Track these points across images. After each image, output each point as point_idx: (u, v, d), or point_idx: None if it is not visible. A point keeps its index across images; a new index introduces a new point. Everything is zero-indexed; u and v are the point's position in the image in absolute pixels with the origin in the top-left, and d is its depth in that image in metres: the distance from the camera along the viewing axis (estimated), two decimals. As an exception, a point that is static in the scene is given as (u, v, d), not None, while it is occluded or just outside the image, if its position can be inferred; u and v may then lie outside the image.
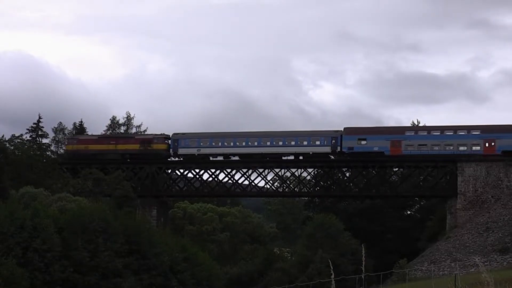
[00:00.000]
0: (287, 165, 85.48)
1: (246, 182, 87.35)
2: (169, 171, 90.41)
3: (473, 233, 72.72)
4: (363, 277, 20.57)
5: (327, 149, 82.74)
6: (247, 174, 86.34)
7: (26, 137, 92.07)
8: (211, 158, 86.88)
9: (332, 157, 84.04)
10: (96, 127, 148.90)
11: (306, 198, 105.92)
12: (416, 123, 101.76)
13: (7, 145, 76.74)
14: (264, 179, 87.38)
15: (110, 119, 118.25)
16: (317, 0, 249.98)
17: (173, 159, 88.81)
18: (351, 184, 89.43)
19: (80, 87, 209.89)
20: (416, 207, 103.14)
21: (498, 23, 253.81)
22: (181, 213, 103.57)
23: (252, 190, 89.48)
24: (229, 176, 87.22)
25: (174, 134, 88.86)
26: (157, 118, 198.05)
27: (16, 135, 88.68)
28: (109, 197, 74.17)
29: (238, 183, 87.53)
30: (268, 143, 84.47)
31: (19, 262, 47.06)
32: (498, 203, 76.23)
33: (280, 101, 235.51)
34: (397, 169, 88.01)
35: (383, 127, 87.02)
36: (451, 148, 79.42)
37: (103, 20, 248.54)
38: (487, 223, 73.35)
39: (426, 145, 79.93)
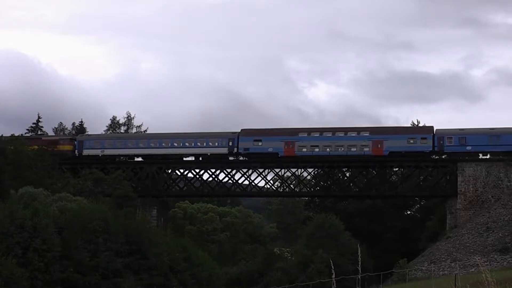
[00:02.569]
0: (287, 165, 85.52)
1: (246, 182, 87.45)
2: (169, 171, 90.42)
3: (473, 233, 72.70)
4: (359, 277, 20.57)
5: (224, 150, 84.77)
6: (247, 174, 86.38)
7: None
8: (117, 159, 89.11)
9: (231, 158, 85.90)
10: (96, 126, 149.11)
11: (306, 198, 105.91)
12: (416, 123, 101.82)
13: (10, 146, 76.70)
14: (264, 179, 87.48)
15: (110, 119, 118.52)
16: (309, 0, 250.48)
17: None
18: (351, 184, 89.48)
19: (74, 86, 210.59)
20: (416, 207, 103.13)
21: (488, 21, 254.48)
22: (181, 213, 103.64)
23: (252, 190, 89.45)
24: (229, 176, 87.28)
25: (79, 135, 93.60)
26: (152, 117, 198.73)
27: (12, 134, 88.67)
28: (109, 197, 74.11)
29: (238, 183, 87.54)
30: (169, 144, 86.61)
31: (19, 262, 47.02)
32: (498, 203, 76.22)
33: (276, 100, 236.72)
34: (397, 169, 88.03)
35: (278, 128, 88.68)
36: (342, 149, 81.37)
37: (97, 20, 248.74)
38: (487, 223, 73.34)
39: (318, 146, 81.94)
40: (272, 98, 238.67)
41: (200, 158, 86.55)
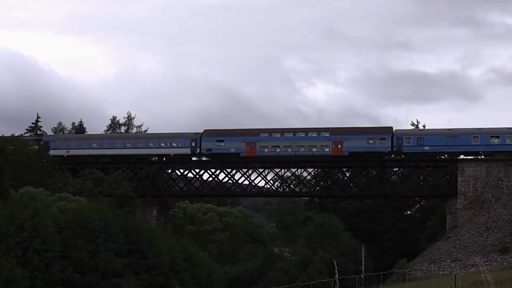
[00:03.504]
0: (287, 165, 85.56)
1: (246, 182, 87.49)
2: (169, 171, 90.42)
3: (473, 233, 72.69)
4: (362, 277, 20.59)
5: (187, 151, 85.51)
6: (247, 174, 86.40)
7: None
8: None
9: (194, 158, 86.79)
10: (95, 126, 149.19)
11: (306, 198, 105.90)
12: (416, 123, 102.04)
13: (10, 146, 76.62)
14: (264, 179, 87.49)
15: (110, 119, 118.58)
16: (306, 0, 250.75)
17: None
18: (351, 184, 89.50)
19: (71, 86, 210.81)
20: (416, 207, 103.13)
21: (485, 21, 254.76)
22: (181, 213, 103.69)
23: (252, 190, 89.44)
24: (229, 176, 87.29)
25: (45, 135, 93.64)
26: (151, 117, 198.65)
27: (9, 134, 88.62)
28: (109, 197, 74.09)
29: (238, 183, 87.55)
30: (133, 145, 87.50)
31: (19, 262, 47.00)
32: (498, 203, 76.21)
33: (274, 99, 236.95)
34: (397, 169, 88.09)
35: (240, 129, 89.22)
36: (303, 149, 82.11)
37: (95, 20, 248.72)
38: (487, 223, 73.33)
39: (279, 146, 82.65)
40: (271, 98, 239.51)
41: (164, 159, 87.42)
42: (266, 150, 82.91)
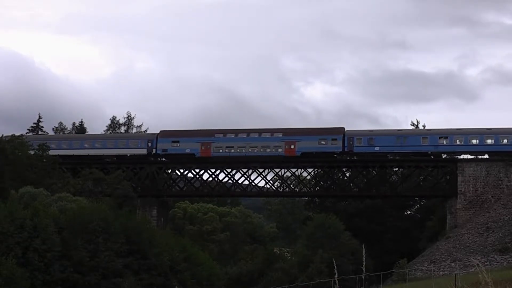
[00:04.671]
0: (287, 165, 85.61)
1: (246, 182, 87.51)
2: (169, 171, 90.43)
3: (473, 233, 72.69)
4: (363, 277, 20.61)
5: (143, 151, 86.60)
6: (247, 174, 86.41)
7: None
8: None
9: (152, 158, 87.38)
10: (93, 126, 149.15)
11: (306, 198, 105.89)
12: (416, 123, 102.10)
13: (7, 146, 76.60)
14: (264, 179, 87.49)
15: (110, 119, 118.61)
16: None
17: None
18: (351, 184, 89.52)
19: (69, 86, 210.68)
20: (416, 207, 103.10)
21: (480, 20, 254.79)
22: (181, 213, 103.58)
23: (252, 190, 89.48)
24: (229, 176, 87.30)
25: (3, 136, 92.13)
26: (149, 117, 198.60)
27: (6, 133, 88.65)
28: (109, 197, 74.10)
29: (238, 183, 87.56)
30: (91, 145, 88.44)
31: (19, 262, 47.05)
32: (498, 203, 76.22)
33: (272, 98, 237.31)
34: (397, 169, 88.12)
35: (195, 130, 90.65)
36: (256, 150, 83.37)
37: (92, 19, 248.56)
38: (487, 223, 73.32)
39: (233, 147, 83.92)
40: (268, 97, 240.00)
41: (115, 159, 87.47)
42: (220, 150, 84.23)
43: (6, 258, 45.39)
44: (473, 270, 57.83)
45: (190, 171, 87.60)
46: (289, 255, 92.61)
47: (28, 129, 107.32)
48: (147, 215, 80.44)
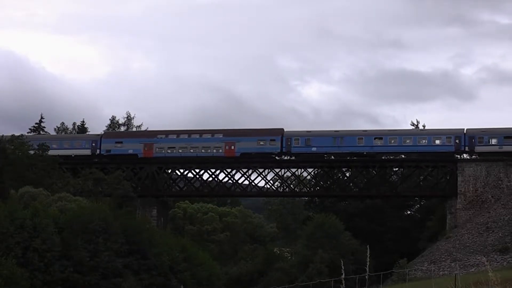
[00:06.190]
0: (287, 165, 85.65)
1: (246, 182, 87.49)
2: (169, 171, 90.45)
3: (473, 233, 72.67)
4: (366, 277, 20.59)
5: (88, 152, 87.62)
6: (247, 174, 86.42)
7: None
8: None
9: (96, 159, 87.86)
10: (92, 126, 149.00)
11: (306, 198, 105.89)
12: (416, 123, 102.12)
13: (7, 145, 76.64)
14: (264, 179, 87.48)
15: (110, 119, 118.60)
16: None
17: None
18: (351, 184, 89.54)
19: (66, 86, 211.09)
20: (416, 207, 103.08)
21: (475, 20, 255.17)
22: (181, 213, 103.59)
23: (252, 190, 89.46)
24: (229, 176, 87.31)
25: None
26: (147, 116, 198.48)
27: (13, 134, 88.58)
28: (109, 197, 74.09)
29: (238, 183, 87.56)
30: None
31: (19, 262, 47.04)
32: (498, 203, 76.20)
33: (269, 97, 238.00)
34: (397, 169, 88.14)
35: (138, 131, 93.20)
36: (197, 150, 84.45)
37: (88, 19, 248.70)
38: (487, 223, 73.30)
39: (174, 147, 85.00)
40: (265, 96, 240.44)
41: (66, 159, 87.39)
42: (162, 151, 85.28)
43: (6, 258, 45.35)
44: (473, 270, 57.93)
45: (190, 171, 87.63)
46: (289, 255, 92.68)
47: (29, 129, 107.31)
48: (147, 215, 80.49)
